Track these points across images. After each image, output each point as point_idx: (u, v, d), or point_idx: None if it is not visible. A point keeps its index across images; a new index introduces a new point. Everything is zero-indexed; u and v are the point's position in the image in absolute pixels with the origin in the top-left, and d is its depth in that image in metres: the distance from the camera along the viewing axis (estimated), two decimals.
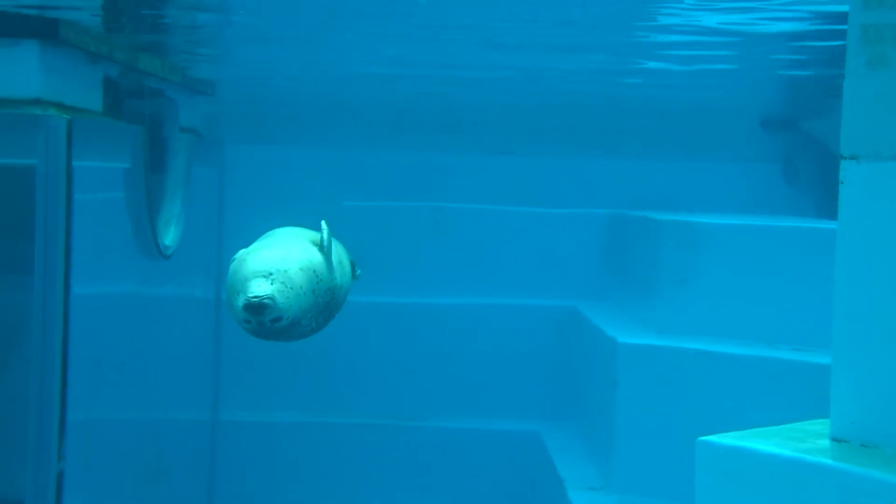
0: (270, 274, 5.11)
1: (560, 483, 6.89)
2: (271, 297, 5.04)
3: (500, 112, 8.82)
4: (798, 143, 8.88)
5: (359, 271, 5.88)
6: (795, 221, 6.99)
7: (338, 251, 5.59)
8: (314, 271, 5.25)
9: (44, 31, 4.69)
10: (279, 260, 5.20)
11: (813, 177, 8.69)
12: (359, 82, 7.58)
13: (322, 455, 8.44)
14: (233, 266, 5.31)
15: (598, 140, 9.13)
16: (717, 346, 6.36)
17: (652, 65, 6.22)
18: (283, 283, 5.11)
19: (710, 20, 4.90)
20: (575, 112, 8.74)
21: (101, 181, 6.18)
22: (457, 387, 8.51)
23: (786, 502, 3.51)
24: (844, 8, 3.71)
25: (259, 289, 5.05)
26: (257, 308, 5.00)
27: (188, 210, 7.09)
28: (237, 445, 8.50)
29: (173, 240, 6.83)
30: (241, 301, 5.07)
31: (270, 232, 5.65)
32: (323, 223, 5.47)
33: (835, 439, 3.67)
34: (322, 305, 5.32)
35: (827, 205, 7.62)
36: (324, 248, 5.38)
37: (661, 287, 6.89)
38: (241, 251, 5.39)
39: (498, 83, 7.26)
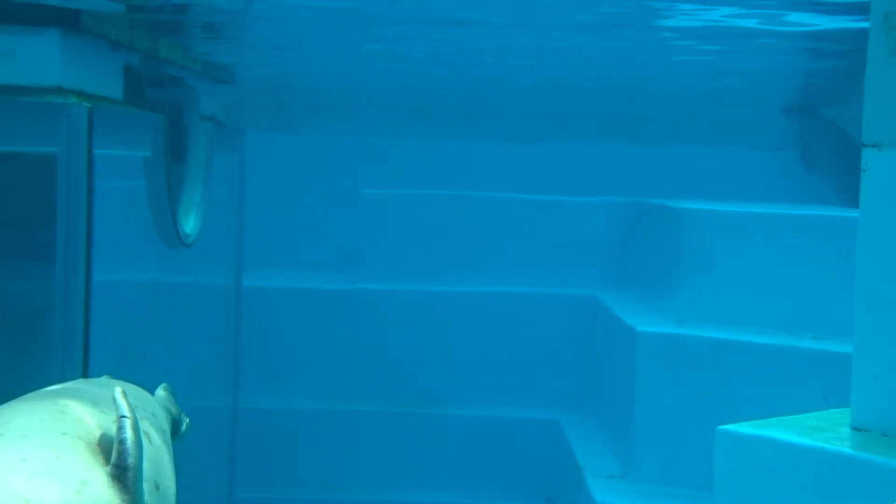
0: None
1: (579, 471, 6.89)
2: None
3: (521, 100, 8.81)
4: (816, 130, 8.84)
5: (186, 420, 3.49)
6: (816, 209, 6.96)
7: (151, 449, 2.72)
8: None
9: (65, 19, 4.70)
10: None
11: (832, 163, 8.66)
12: (377, 69, 7.57)
13: (341, 442, 8.45)
14: None
15: (618, 128, 9.12)
16: (737, 334, 6.34)
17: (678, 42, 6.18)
18: None
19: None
20: (594, 100, 8.73)
21: (122, 169, 6.19)
22: (476, 375, 8.51)
23: (806, 491, 3.51)
24: None
25: None
26: None
27: (208, 198, 7.10)
28: (257, 432, 8.52)
29: (194, 228, 6.84)
30: None
31: (4, 410, 2.62)
32: (117, 394, 2.58)
33: (855, 428, 3.66)
34: None
35: (847, 191, 7.59)
36: (126, 462, 2.45)
37: (680, 275, 6.87)
38: None
39: (519, 68, 7.24)
